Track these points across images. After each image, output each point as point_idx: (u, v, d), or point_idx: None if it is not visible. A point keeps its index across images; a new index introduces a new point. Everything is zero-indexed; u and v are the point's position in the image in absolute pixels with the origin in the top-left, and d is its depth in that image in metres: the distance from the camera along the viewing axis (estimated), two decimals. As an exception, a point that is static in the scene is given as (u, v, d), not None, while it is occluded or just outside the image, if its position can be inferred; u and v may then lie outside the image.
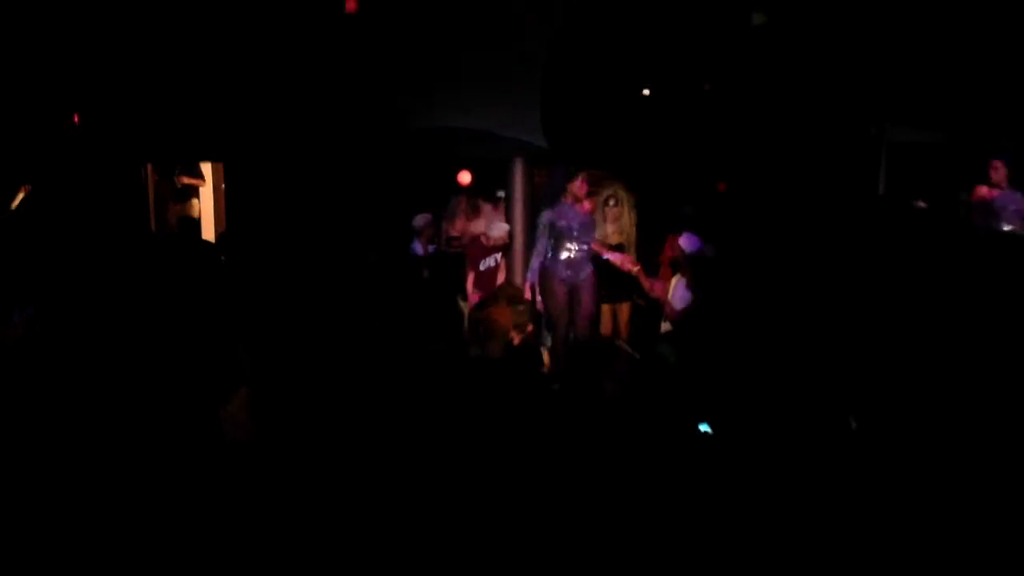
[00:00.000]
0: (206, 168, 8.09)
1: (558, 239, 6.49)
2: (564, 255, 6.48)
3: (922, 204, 6.66)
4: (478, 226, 7.50)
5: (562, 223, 6.45)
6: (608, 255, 6.69)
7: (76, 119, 6.14)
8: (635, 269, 6.59)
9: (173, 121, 6.36)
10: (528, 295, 6.47)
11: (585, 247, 6.52)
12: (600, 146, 7.44)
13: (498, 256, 7.14)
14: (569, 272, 6.50)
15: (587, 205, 6.63)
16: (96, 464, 4.18)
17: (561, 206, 6.47)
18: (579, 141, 6.95)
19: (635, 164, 7.81)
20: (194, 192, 7.87)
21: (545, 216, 6.48)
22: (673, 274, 6.47)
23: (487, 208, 7.55)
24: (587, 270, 6.57)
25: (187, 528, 3.98)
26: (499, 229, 7.17)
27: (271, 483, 4.03)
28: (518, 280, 6.57)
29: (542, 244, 6.50)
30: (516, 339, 5.21)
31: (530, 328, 5.31)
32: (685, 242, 6.36)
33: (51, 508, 3.89)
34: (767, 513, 3.83)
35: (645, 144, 7.89)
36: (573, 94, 6.73)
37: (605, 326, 6.96)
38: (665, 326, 6.30)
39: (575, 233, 6.47)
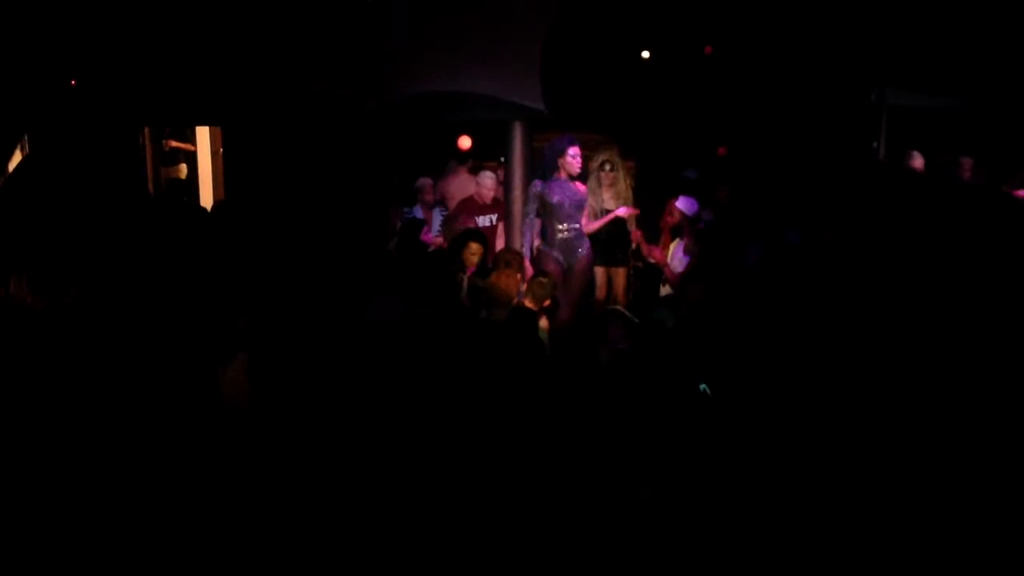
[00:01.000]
0: (203, 133, 8.06)
1: (549, 215, 6.44)
2: (558, 236, 6.44)
3: (919, 160, 6.60)
4: (449, 188, 7.51)
5: (554, 198, 6.39)
6: (608, 219, 6.67)
7: (73, 83, 6.10)
8: (637, 234, 6.58)
9: (170, 85, 6.33)
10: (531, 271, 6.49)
11: (577, 226, 6.48)
12: (600, 110, 7.40)
13: (494, 217, 7.11)
14: (564, 253, 6.47)
15: (581, 185, 6.56)
16: (96, 430, 4.20)
17: (554, 181, 6.41)
18: (579, 105, 6.91)
19: (635, 128, 7.77)
20: (183, 156, 7.79)
21: (536, 186, 6.42)
22: (673, 239, 6.46)
23: (461, 170, 7.55)
24: (583, 249, 6.52)
25: (186, 494, 4.01)
26: (486, 178, 7.18)
27: (268, 447, 4.05)
28: (516, 241, 6.54)
29: (531, 217, 6.45)
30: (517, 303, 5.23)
31: (547, 302, 5.35)
32: (682, 205, 6.35)
33: (52, 469, 3.92)
34: (764, 478, 3.86)
35: (645, 108, 7.85)
36: (573, 58, 6.68)
37: (601, 290, 6.95)
38: (664, 290, 6.30)
39: (567, 210, 6.42)
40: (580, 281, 6.53)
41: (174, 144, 7.62)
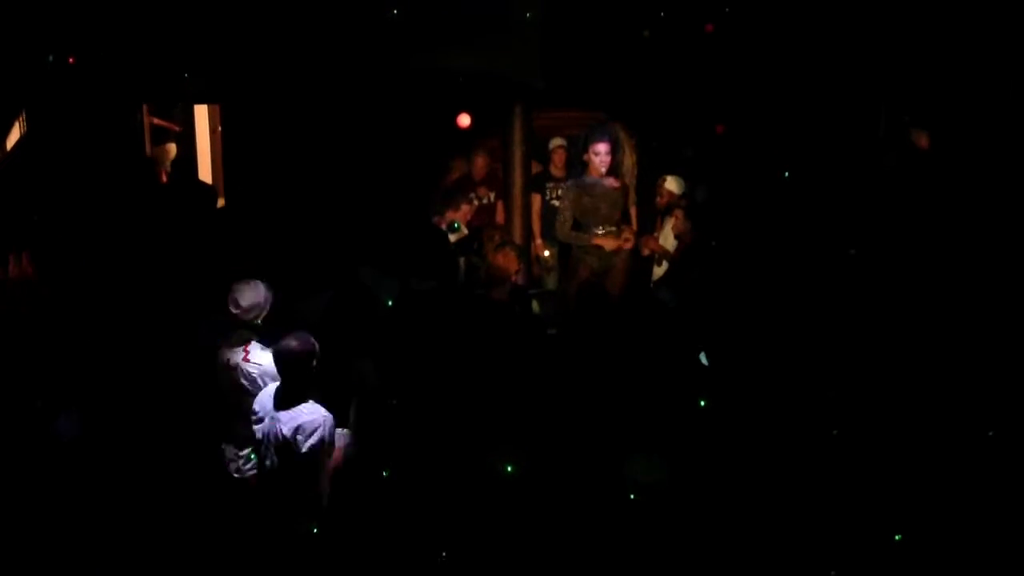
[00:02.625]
0: (202, 111, 8.00)
1: (584, 218, 6.08)
2: (594, 240, 6.06)
3: (923, 137, 6.54)
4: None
5: (585, 201, 6.04)
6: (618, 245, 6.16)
7: (71, 60, 6.07)
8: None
9: (168, 62, 6.29)
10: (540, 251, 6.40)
11: (613, 228, 6.08)
12: (600, 88, 7.35)
13: (492, 195, 7.09)
14: (599, 257, 6.11)
15: (615, 181, 6.17)
16: (95, 406, 4.22)
17: (586, 180, 6.07)
18: (579, 83, 6.85)
19: (635, 106, 7.72)
20: (168, 136, 7.45)
21: (569, 187, 6.14)
22: (662, 219, 6.43)
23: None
24: (621, 254, 6.10)
25: (182, 474, 4.03)
26: (477, 156, 7.10)
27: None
28: (515, 220, 6.51)
29: (565, 221, 6.09)
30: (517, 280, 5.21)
31: (516, 267, 5.28)
32: (672, 185, 6.33)
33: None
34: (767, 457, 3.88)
35: (646, 86, 7.81)
36: (574, 35, 6.63)
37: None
38: (658, 271, 6.27)
39: (604, 213, 6.05)
40: (619, 281, 6.10)
41: (156, 122, 7.35)
